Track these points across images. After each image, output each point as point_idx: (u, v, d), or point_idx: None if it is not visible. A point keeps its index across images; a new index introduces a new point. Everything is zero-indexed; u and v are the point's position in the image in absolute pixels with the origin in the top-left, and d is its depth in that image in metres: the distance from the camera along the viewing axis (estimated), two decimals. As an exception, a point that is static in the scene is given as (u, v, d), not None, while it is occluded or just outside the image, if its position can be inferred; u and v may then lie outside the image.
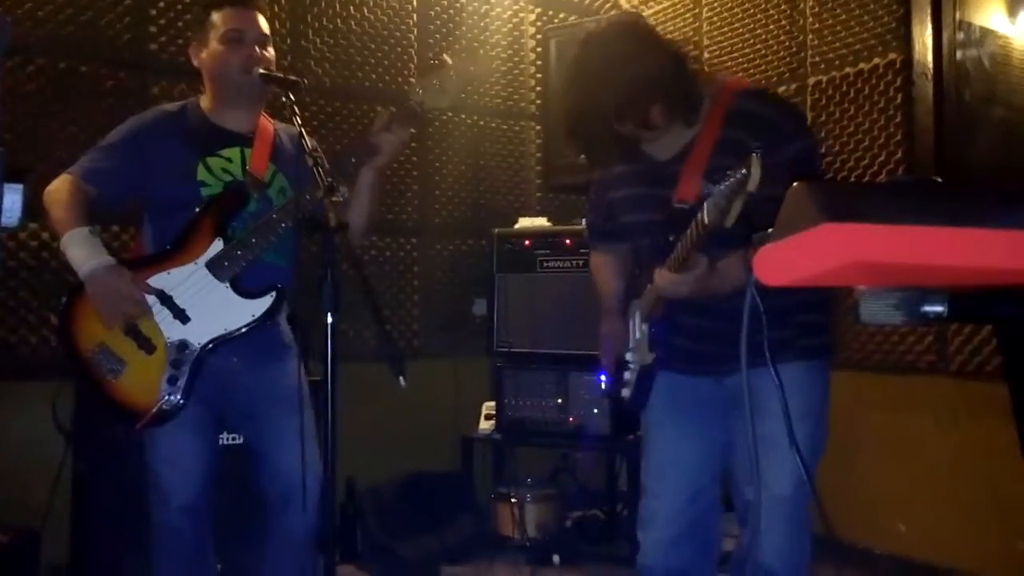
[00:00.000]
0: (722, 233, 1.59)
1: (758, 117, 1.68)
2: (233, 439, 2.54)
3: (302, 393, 2.04)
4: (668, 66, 1.66)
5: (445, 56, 2.02)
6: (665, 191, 1.71)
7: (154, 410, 1.94)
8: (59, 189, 2.00)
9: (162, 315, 1.97)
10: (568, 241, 3.42)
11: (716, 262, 1.59)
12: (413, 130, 2.05)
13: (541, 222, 3.65)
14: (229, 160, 2.07)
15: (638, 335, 1.85)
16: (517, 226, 3.63)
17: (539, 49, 4.02)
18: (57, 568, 2.71)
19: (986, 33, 3.00)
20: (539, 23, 4.09)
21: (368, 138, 2.00)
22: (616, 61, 1.65)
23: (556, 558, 3.26)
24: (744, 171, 1.30)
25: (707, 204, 1.41)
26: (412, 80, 3.67)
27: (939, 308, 0.76)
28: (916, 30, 2.99)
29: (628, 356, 1.88)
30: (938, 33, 2.95)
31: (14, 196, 1.09)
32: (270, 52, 2.09)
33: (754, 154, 1.29)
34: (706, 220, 1.42)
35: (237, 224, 2.02)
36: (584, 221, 2.19)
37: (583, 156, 1.88)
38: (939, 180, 0.71)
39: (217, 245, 1.99)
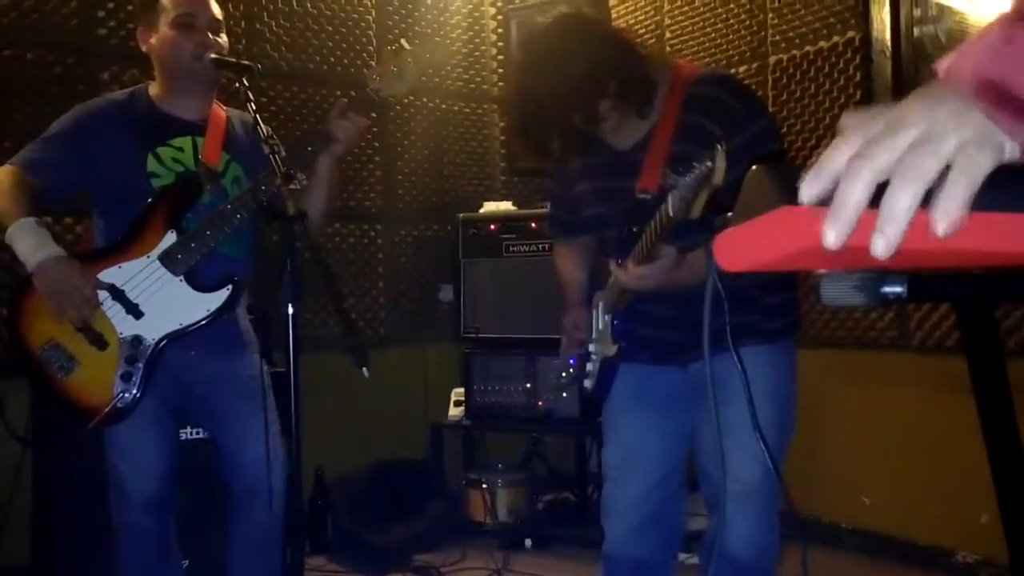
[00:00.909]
0: (687, 222, 1.57)
1: (714, 101, 1.67)
2: (197, 433, 2.50)
3: (264, 386, 2.01)
4: (613, 59, 1.64)
5: (403, 42, 1.99)
6: (627, 181, 1.70)
7: (107, 408, 1.89)
8: (1, 181, 1.93)
9: (114, 310, 1.91)
10: (534, 225, 3.40)
11: (684, 253, 1.58)
12: (373, 115, 2.02)
13: (506, 206, 3.64)
14: (180, 150, 2.02)
15: (601, 326, 1.84)
16: (482, 211, 3.61)
17: (500, 30, 3.98)
18: (19, 569, 2.66)
19: (942, 9, 3.03)
20: (499, 3, 4.05)
21: (325, 126, 1.97)
22: (560, 58, 1.63)
23: (528, 542, 3.27)
24: (708, 163, 1.29)
25: (671, 196, 1.40)
26: (371, 64, 3.62)
27: (899, 289, 0.75)
28: (874, 8, 3.01)
29: (591, 347, 1.88)
30: (896, 10, 2.97)
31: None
32: (223, 38, 2.04)
33: (718, 145, 1.28)
34: (670, 212, 1.41)
35: (191, 216, 1.97)
36: (547, 214, 2.18)
37: (539, 156, 1.85)
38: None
39: (170, 238, 1.94)
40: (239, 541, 2.07)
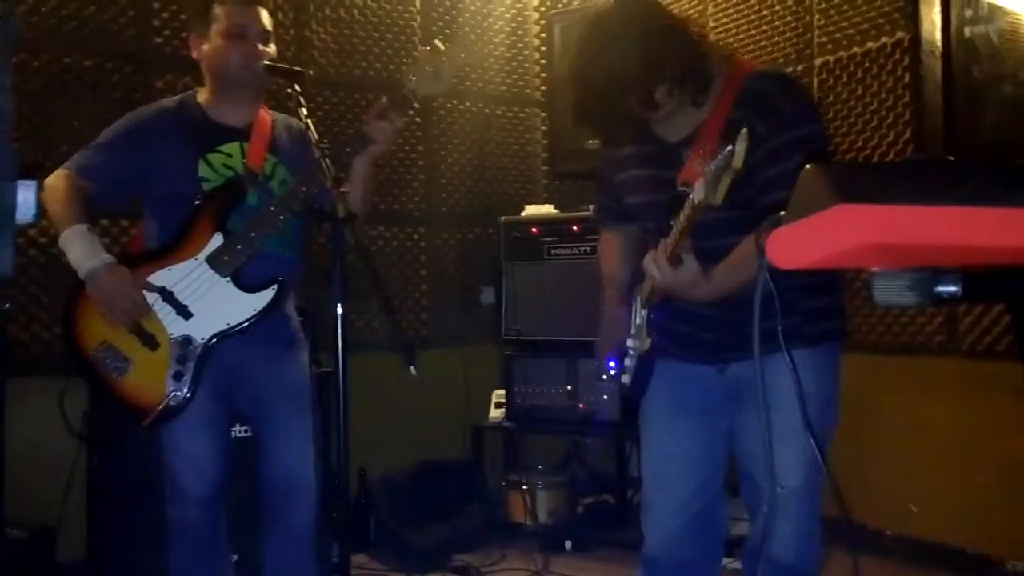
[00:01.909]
0: (714, 219, 1.56)
1: (765, 97, 1.65)
2: (247, 431, 2.54)
3: (310, 388, 2.05)
4: (674, 45, 1.64)
5: (437, 42, 2.02)
6: (670, 173, 1.69)
7: (161, 406, 1.94)
8: (56, 186, 1.99)
9: (164, 311, 1.97)
10: (575, 228, 3.41)
11: (707, 260, 1.57)
12: (417, 119, 2.05)
13: (548, 209, 3.65)
14: (229, 155, 2.07)
15: (638, 320, 1.84)
16: (524, 214, 3.62)
17: (543, 35, 4.00)
18: (73, 564, 2.73)
19: (994, 9, 2.97)
20: (542, 8, 4.07)
21: (363, 128, 2.00)
22: (620, 39, 1.63)
23: (568, 544, 3.27)
24: (730, 147, 1.28)
25: (697, 183, 1.39)
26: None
27: (953, 288, 0.76)
28: (924, 8, 2.96)
29: (629, 342, 1.87)
30: (946, 10, 2.92)
31: (28, 193, 1.10)
32: (272, 47, 2.08)
33: (743, 130, 1.27)
34: (695, 199, 1.40)
35: (237, 218, 2.01)
36: (593, 201, 2.18)
37: (593, 136, 1.86)
38: (951, 159, 0.71)
39: (217, 240, 1.99)
40: (276, 542, 2.11)
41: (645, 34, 1.63)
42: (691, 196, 1.43)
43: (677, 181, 1.66)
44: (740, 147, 1.27)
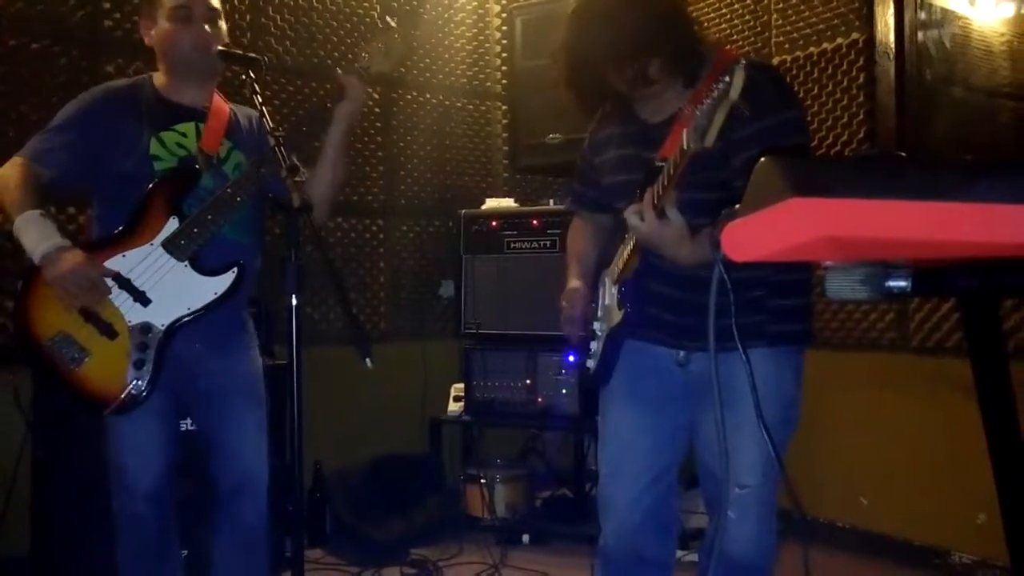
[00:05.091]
0: (696, 200, 1.54)
1: (749, 83, 1.66)
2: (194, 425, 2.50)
3: (261, 383, 2.02)
4: (672, 20, 1.64)
5: (389, 19, 2.00)
6: (650, 153, 1.68)
7: (123, 396, 1.89)
8: (9, 174, 1.93)
9: (121, 298, 1.92)
10: (535, 222, 3.41)
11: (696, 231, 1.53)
12: (369, 106, 2.03)
13: (508, 203, 3.64)
14: (184, 135, 2.03)
15: (607, 301, 1.83)
16: (484, 207, 3.61)
17: (504, 28, 3.99)
18: (17, 559, 2.66)
19: (946, 14, 3.04)
20: (504, 1, 4.05)
21: (318, 109, 1.99)
22: (620, 9, 1.62)
23: (526, 537, 3.28)
24: (726, 78, 1.24)
25: (686, 132, 1.34)
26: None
27: (903, 283, 0.77)
28: (879, 10, 3.02)
29: (595, 325, 1.87)
30: (900, 13, 2.98)
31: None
32: (221, 25, 2.04)
33: (737, 64, 1.23)
34: (685, 146, 1.35)
35: (192, 201, 1.97)
36: (569, 190, 2.16)
37: (577, 106, 1.81)
38: (904, 155, 0.72)
39: (172, 224, 1.94)
40: (223, 539, 2.08)
41: (645, 8, 1.62)
42: (680, 144, 1.38)
43: (655, 158, 1.64)
44: (737, 78, 1.22)
